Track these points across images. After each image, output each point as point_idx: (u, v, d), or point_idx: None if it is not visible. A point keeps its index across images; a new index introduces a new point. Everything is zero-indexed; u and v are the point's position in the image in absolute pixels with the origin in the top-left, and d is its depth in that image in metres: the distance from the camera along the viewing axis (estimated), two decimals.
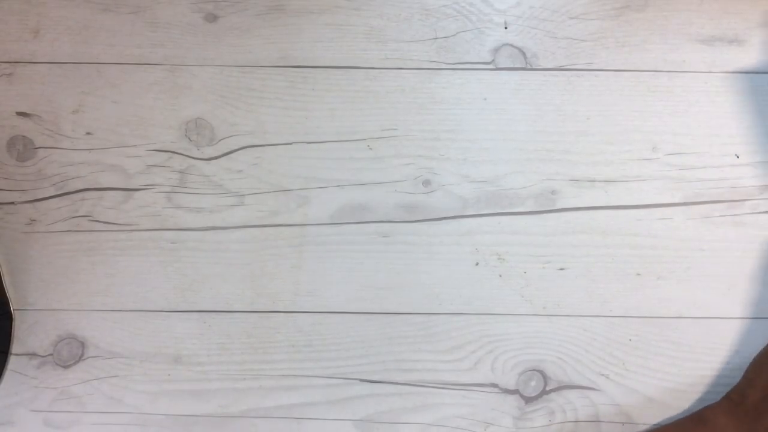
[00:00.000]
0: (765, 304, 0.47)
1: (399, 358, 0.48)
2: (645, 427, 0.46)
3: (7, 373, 0.48)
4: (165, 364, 0.48)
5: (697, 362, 0.47)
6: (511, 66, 0.49)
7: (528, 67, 0.49)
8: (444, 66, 0.49)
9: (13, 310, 0.48)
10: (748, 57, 0.48)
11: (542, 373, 0.47)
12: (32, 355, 0.48)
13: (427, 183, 0.48)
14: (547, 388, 0.47)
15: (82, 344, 0.48)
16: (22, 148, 0.49)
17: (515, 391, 0.47)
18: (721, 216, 0.48)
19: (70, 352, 0.48)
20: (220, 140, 0.49)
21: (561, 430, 0.47)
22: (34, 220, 0.49)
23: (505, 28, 0.49)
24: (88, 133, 0.49)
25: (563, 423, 0.47)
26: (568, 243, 0.48)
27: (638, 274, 0.48)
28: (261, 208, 0.49)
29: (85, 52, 0.49)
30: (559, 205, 0.48)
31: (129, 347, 0.48)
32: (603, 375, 0.47)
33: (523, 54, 0.49)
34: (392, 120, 0.49)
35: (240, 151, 0.49)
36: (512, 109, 0.49)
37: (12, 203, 0.49)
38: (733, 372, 0.47)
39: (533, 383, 0.47)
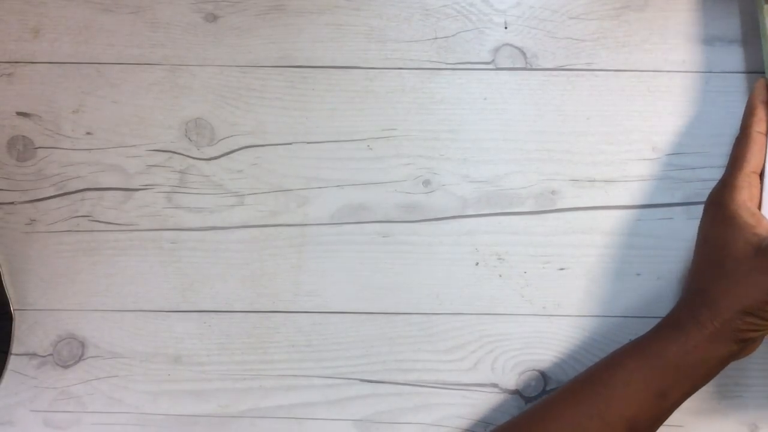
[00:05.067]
0: None
1: (399, 358, 0.48)
2: None
3: (7, 373, 0.48)
4: (165, 364, 0.48)
5: None
6: (511, 66, 0.49)
7: (528, 67, 0.49)
8: (444, 66, 0.49)
9: (13, 310, 0.48)
10: (748, 57, 0.48)
11: (542, 373, 0.47)
12: (32, 355, 0.48)
13: (427, 183, 0.48)
14: (547, 388, 0.47)
15: (82, 344, 0.48)
16: (22, 148, 0.49)
17: (515, 391, 0.47)
18: None
19: (70, 352, 0.48)
20: (220, 140, 0.49)
21: None
22: (34, 220, 0.49)
23: (505, 28, 0.49)
24: (88, 133, 0.49)
25: None
26: (568, 243, 0.48)
27: (638, 274, 0.48)
28: (261, 208, 0.49)
29: (85, 52, 0.49)
30: (559, 205, 0.48)
31: (129, 347, 0.48)
32: None
33: (523, 54, 0.49)
34: (392, 120, 0.49)
35: (240, 151, 0.49)
36: (512, 109, 0.49)
37: (12, 203, 0.49)
38: (733, 371, 0.47)
39: (533, 383, 0.47)
